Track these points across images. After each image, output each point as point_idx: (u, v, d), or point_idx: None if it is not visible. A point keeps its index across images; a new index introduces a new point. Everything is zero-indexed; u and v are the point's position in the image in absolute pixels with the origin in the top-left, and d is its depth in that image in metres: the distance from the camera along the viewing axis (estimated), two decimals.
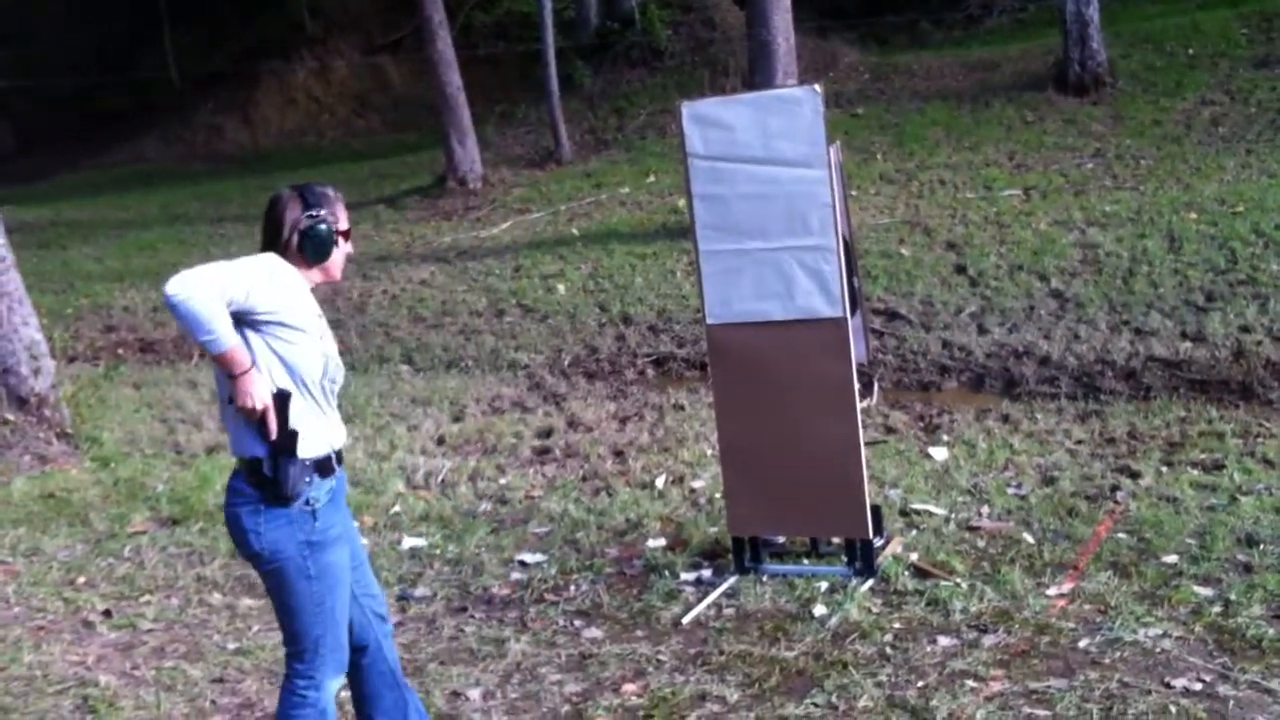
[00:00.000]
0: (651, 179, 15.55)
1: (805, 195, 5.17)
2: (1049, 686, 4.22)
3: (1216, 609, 4.72)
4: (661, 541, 5.96)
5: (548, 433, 8.06)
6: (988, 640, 4.63)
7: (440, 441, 8.03)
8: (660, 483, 6.89)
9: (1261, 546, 5.27)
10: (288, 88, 26.23)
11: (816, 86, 5.18)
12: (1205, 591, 4.90)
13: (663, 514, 6.38)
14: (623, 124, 18.66)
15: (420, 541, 6.18)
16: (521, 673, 4.69)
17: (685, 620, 5.05)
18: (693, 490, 6.76)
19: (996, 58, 17.43)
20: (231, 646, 5.11)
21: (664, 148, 16.42)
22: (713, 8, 20.74)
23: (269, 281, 3.31)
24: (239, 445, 3.37)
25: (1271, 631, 4.49)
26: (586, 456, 7.50)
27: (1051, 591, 5.02)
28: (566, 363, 9.78)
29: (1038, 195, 12.05)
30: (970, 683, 4.29)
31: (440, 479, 7.23)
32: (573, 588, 5.50)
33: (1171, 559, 5.24)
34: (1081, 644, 4.53)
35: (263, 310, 3.27)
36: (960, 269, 10.30)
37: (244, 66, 26.16)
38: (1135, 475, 6.40)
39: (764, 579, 5.42)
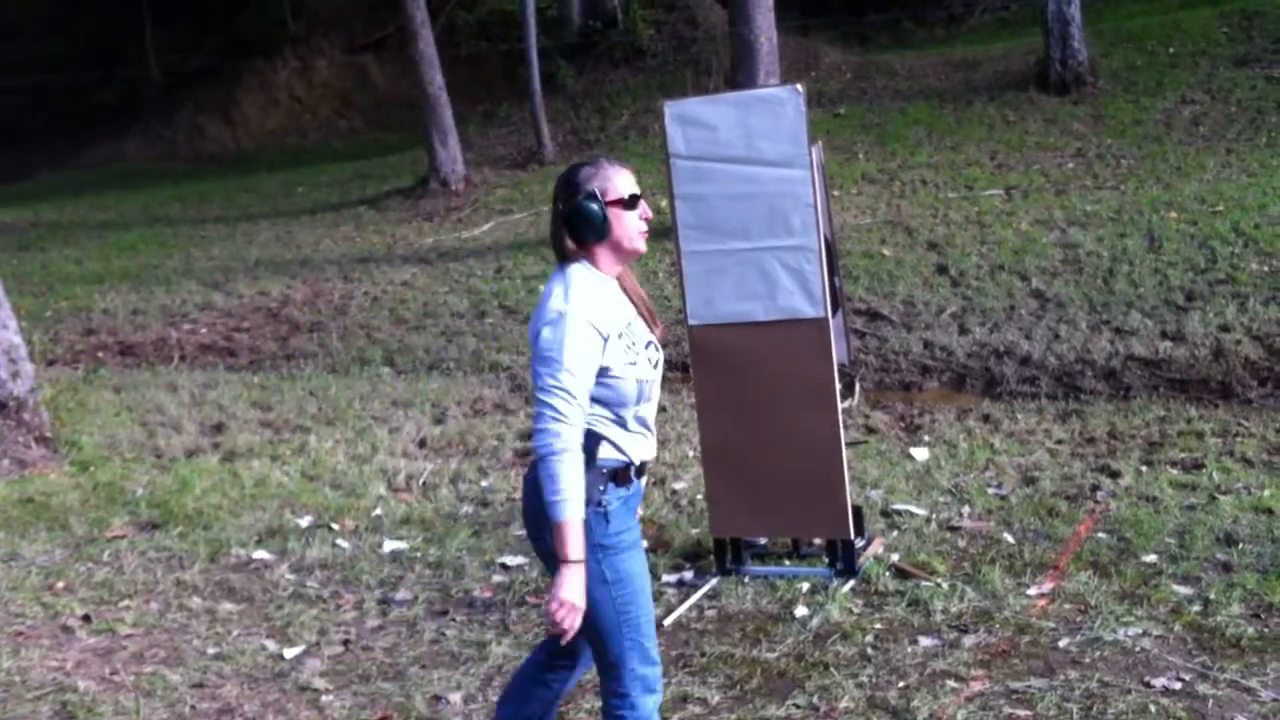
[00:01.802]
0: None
1: (787, 195, 5.17)
2: (1029, 686, 4.23)
3: (1196, 608, 4.73)
4: (644, 543, 5.94)
5: (529, 435, 8.04)
6: (968, 640, 4.63)
7: (422, 444, 8.01)
8: (641, 484, 6.87)
9: (1240, 545, 5.29)
10: (270, 87, 26.16)
11: (798, 86, 5.18)
12: (1185, 590, 4.91)
13: (644, 516, 6.37)
14: (606, 124, 18.64)
15: (401, 544, 6.17)
16: (503, 676, 4.67)
17: (667, 622, 5.05)
18: (674, 492, 6.75)
19: (978, 57, 17.47)
20: (211, 651, 5.09)
21: (647, 148, 16.41)
22: (695, 7, 20.75)
23: (596, 349, 3.13)
24: (534, 439, 3.25)
25: (1250, 630, 4.51)
26: None
27: (1032, 591, 5.03)
28: None
29: (1019, 195, 12.08)
30: (951, 683, 4.30)
31: (422, 481, 7.21)
32: None
33: (1151, 558, 5.26)
34: (1062, 643, 4.54)
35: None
36: (942, 269, 10.31)
37: (226, 65, 26.08)
38: (1115, 475, 6.42)
39: (746, 580, 5.42)
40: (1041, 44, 15.56)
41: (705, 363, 5.45)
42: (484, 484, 7.12)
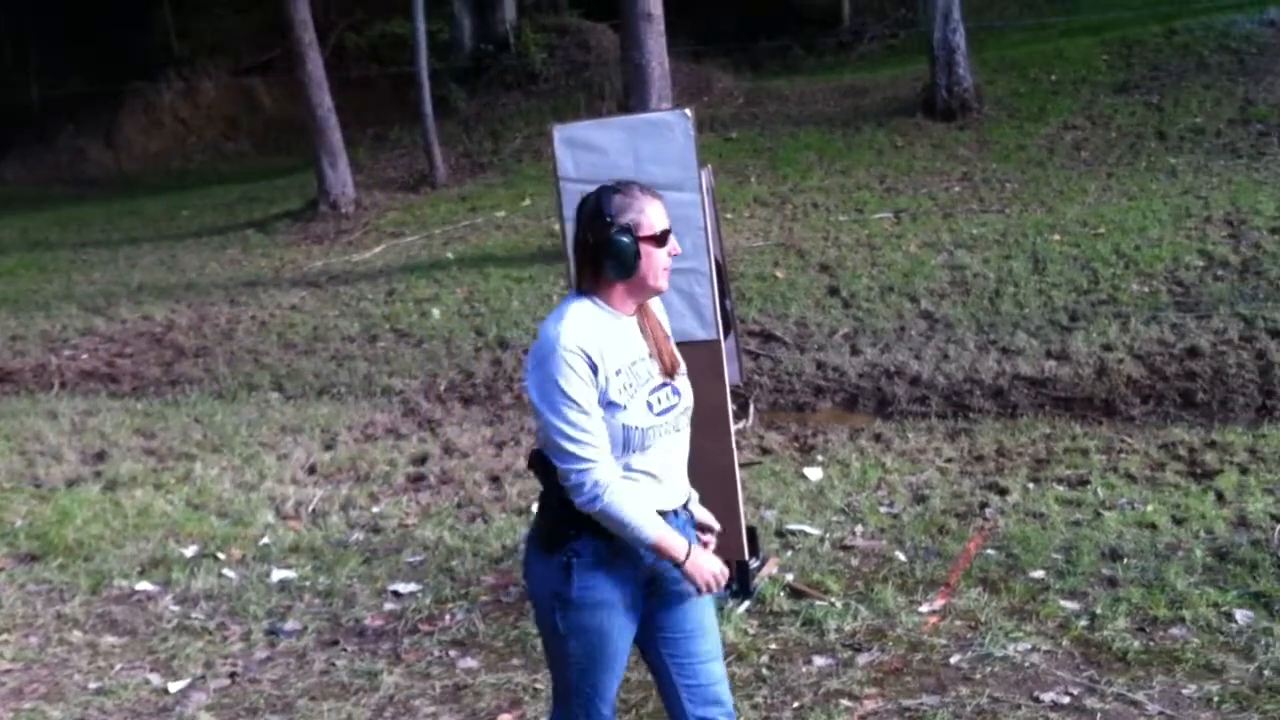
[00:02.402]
0: (528, 202, 15.51)
1: (677, 219, 5.11)
2: (922, 703, 4.26)
3: (1083, 623, 4.81)
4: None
5: (422, 459, 7.95)
6: (862, 659, 4.66)
7: (311, 470, 7.86)
8: (536, 509, 6.81)
9: (1125, 560, 5.40)
10: (153, 109, 25.67)
11: (687, 110, 5.20)
12: (1072, 606, 5.00)
13: None
14: (498, 147, 18.59)
15: (290, 574, 6.04)
16: (395, 706, 4.59)
17: None
18: None
19: (867, 84, 17.75)
20: (93, 686, 4.93)
21: (540, 171, 16.39)
22: (588, 31, 20.81)
23: (590, 378, 2.97)
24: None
25: (1136, 644, 4.60)
26: (462, 483, 7.41)
27: (924, 609, 5.08)
28: (442, 388, 9.67)
29: (908, 218, 12.27)
30: (845, 702, 4.31)
31: (311, 509, 7.08)
32: (448, 617, 5.41)
33: (1039, 574, 5.34)
34: (953, 660, 4.59)
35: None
36: (833, 290, 10.42)
37: (107, 87, 25.53)
38: (1003, 492, 6.52)
39: None
40: (928, 71, 15.85)
41: None
42: (375, 510, 7.01)
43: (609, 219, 3.02)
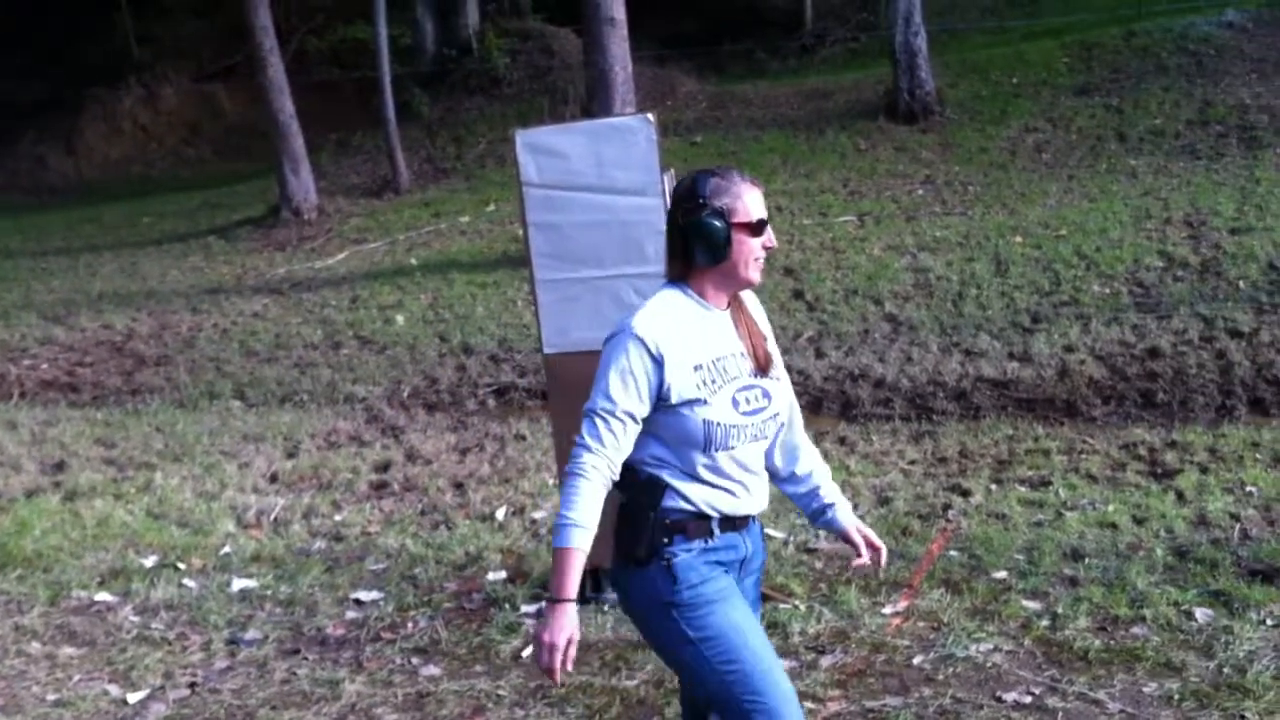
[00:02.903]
0: (492, 207, 15.48)
1: (641, 223, 5.17)
2: (885, 705, 4.26)
3: (1045, 623, 4.83)
4: (502, 574, 5.88)
5: (385, 466, 7.91)
6: (825, 661, 4.66)
7: (273, 479, 7.81)
8: (501, 514, 6.80)
9: (1086, 560, 5.43)
10: (114, 116, 25.45)
11: (649, 115, 5.19)
12: (1034, 606, 5.01)
13: (503, 546, 6.29)
14: (462, 152, 18.54)
15: (251, 583, 5.99)
16: (357, 714, 4.56)
17: (525, 654, 4.98)
18: (534, 521, 6.69)
19: (830, 87, 17.81)
20: (51, 698, 4.87)
21: (504, 176, 16.36)
22: (551, 36, 20.79)
23: (646, 372, 2.86)
24: None
25: (1097, 643, 4.62)
26: (425, 490, 7.38)
27: (887, 610, 5.09)
28: (405, 395, 9.63)
29: (871, 221, 12.31)
30: (809, 704, 4.31)
31: (273, 517, 7.02)
32: (410, 625, 5.38)
33: (1001, 575, 5.36)
34: (916, 661, 4.60)
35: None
36: (798, 294, 10.45)
37: (67, 94, 25.30)
38: (966, 493, 6.54)
39: (605, 608, 5.38)
40: (890, 75, 15.92)
41: (561, 391, 5.41)
42: (338, 518, 6.97)
43: (701, 200, 2.90)
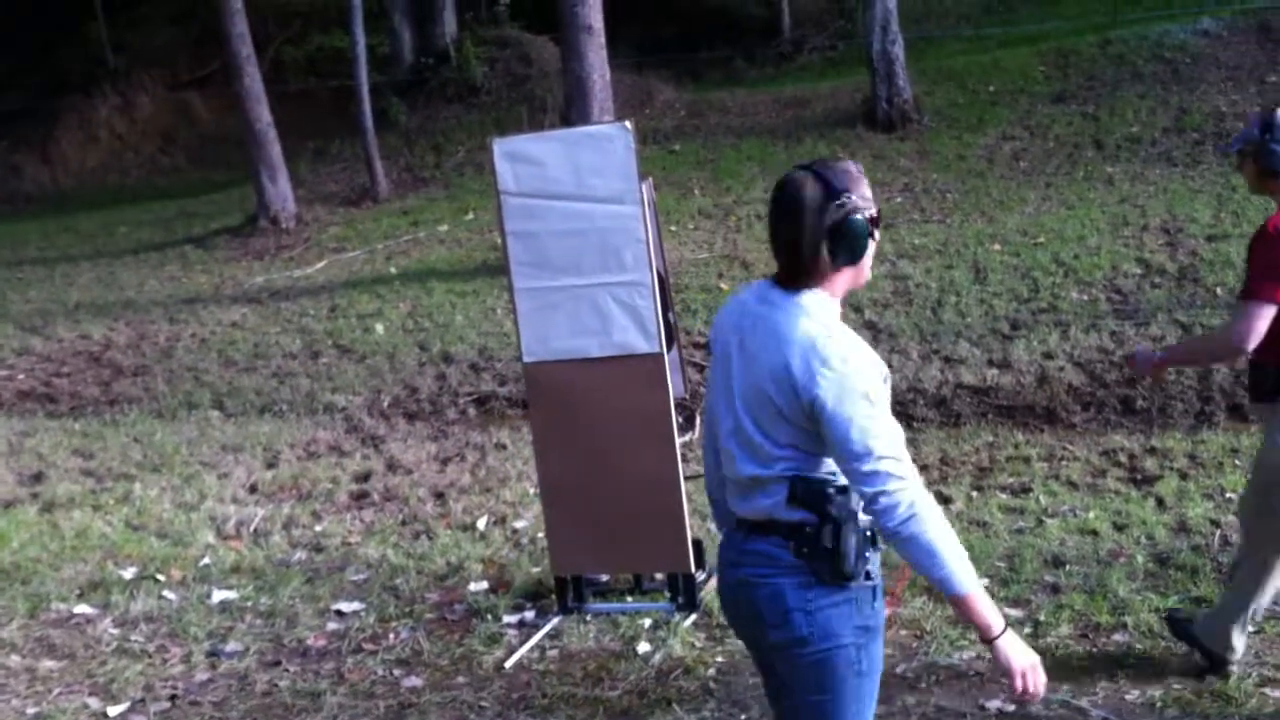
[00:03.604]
0: (470, 216, 15.44)
1: (619, 231, 5.16)
2: None
3: (1026, 630, 4.84)
4: (483, 584, 5.86)
5: (366, 476, 7.88)
6: None
7: (253, 489, 7.77)
8: (482, 524, 6.78)
9: (1067, 567, 5.44)
10: (89, 124, 25.29)
11: (627, 123, 5.20)
12: (1015, 613, 5.02)
13: (485, 556, 6.28)
14: (440, 160, 18.50)
15: (231, 594, 5.96)
16: None
17: (508, 664, 4.97)
18: (515, 530, 6.67)
19: (808, 95, 17.83)
20: (31, 712, 4.84)
21: (482, 184, 16.32)
22: (529, 44, 20.75)
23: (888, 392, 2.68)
24: (764, 503, 2.75)
25: (1079, 650, 4.63)
26: (406, 499, 7.36)
27: None
28: (385, 404, 9.59)
29: None
30: None
31: (252, 528, 6.99)
32: (392, 636, 5.36)
33: (983, 581, 5.35)
34: (899, 669, 4.60)
35: None
36: None
37: (42, 103, 25.15)
38: (947, 500, 6.55)
39: (588, 618, 5.38)
40: (868, 82, 15.95)
41: (541, 400, 5.40)
42: (318, 528, 6.94)
43: (844, 197, 2.67)
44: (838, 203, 2.67)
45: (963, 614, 2.63)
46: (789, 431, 2.68)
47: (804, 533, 2.69)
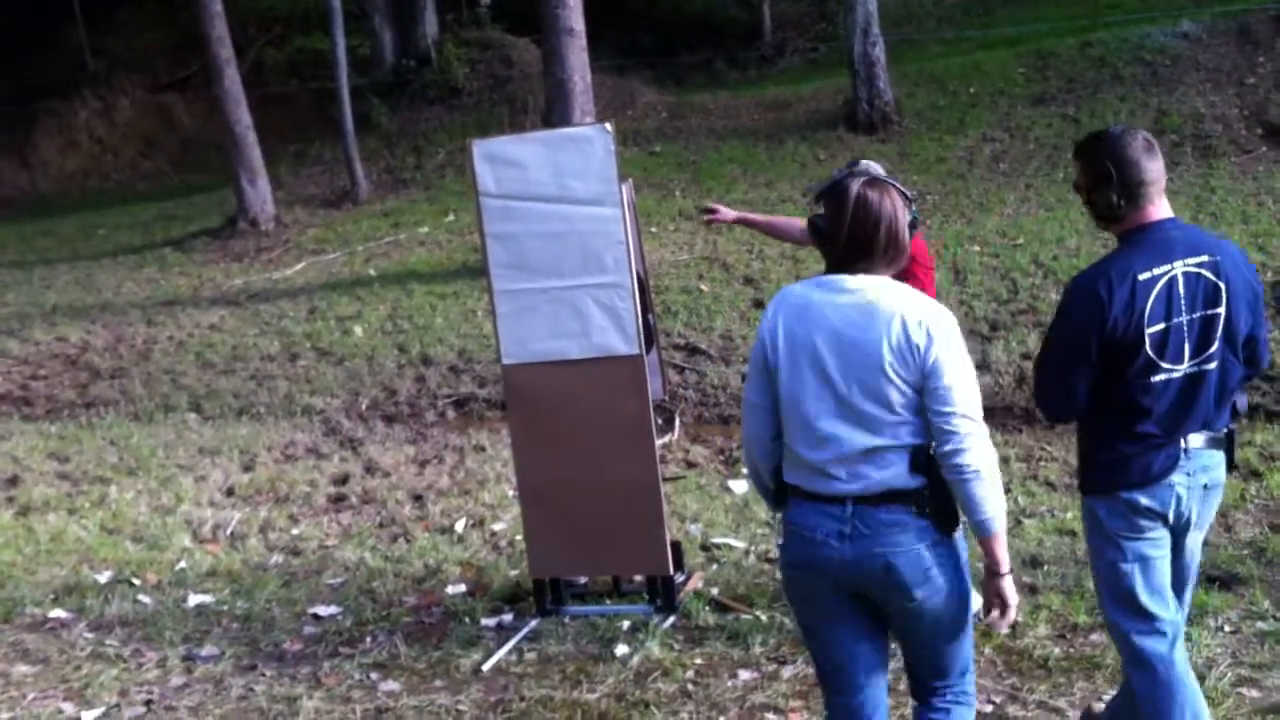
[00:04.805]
0: (451, 218, 15.41)
1: (599, 233, 5.15)
2: None
3: (1004, 631, 4.83)
4: (462, 587, 5.84)
5: (343, 479, 7.84)
6: (786, 672, 4.65)
7: (229, 492, 7.73)
8: (460, 527, 6.76)
9: (1045, 568, 5.44)
10: (68, 128, 25.18)
11: (607, 125, 5.18)
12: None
13: (463, 559, 6.25)
14: (421, 163, 18.46)
15: (207, 598, 5.92)
16: None
17: (485, 667, 4.94)
18: (493, 533, 6.65)
19: (789, 97, 17.85)
20: (5, 717, 4.80)
21: (463, 186, 16.29)
22: (510, 46, 20.73)
23: None
24: (884, 474, 3.04)
25: (1057, 651, 4.63)
26: (384, 502, 7.32)
27: None
28: (364, 406, 9.55)
29: None
30: (770, 715, 4.30)
31: (229, 531, 6.96)
32: (369, 639, 5.33)
33: None
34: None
35: None
36: (758, 303, 10.44)
37: (20, 106, 25.02)
38: None
39: (566, 621, 5.36)
40: (849, 85, 15.97)
41: (520, 402, 5.38)
42: (295, 532, 6.91)
43: (910, 199, 3.20)
44: (908, 200, 3.16)
45: (988, 550, 3.06)
46: (906, 399, 3.00)
47: (922, 495, 3.03)
